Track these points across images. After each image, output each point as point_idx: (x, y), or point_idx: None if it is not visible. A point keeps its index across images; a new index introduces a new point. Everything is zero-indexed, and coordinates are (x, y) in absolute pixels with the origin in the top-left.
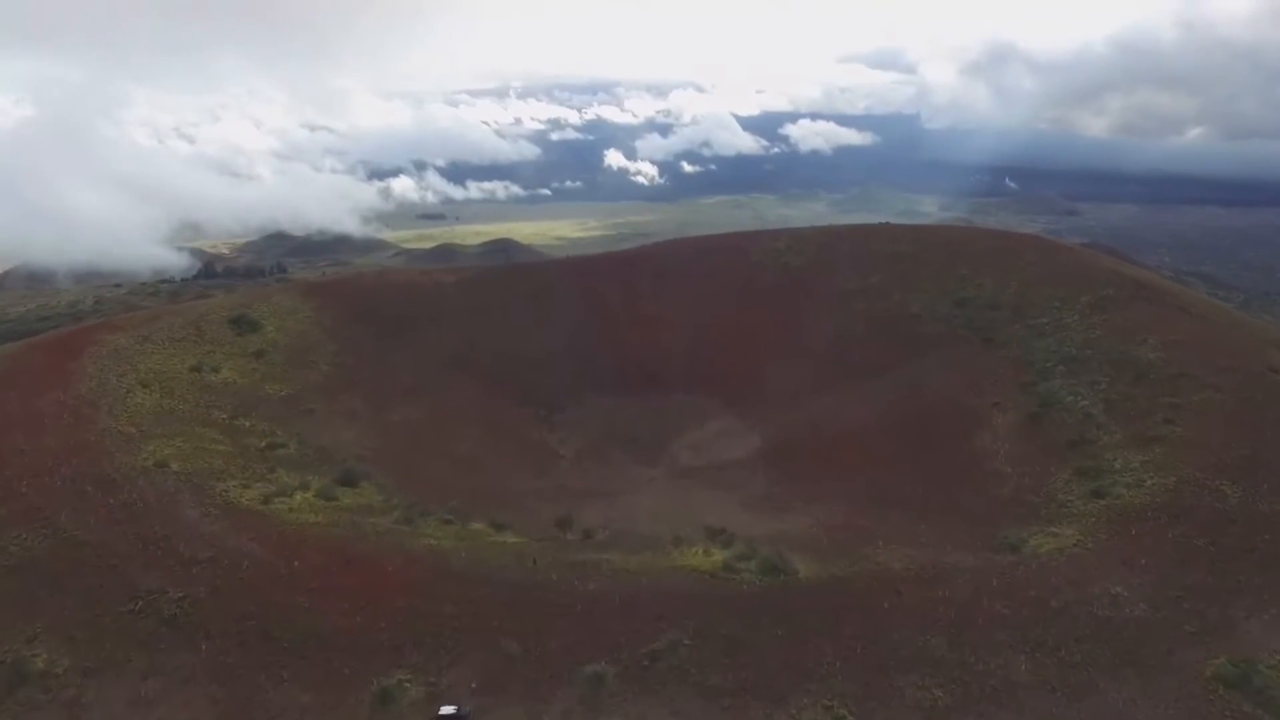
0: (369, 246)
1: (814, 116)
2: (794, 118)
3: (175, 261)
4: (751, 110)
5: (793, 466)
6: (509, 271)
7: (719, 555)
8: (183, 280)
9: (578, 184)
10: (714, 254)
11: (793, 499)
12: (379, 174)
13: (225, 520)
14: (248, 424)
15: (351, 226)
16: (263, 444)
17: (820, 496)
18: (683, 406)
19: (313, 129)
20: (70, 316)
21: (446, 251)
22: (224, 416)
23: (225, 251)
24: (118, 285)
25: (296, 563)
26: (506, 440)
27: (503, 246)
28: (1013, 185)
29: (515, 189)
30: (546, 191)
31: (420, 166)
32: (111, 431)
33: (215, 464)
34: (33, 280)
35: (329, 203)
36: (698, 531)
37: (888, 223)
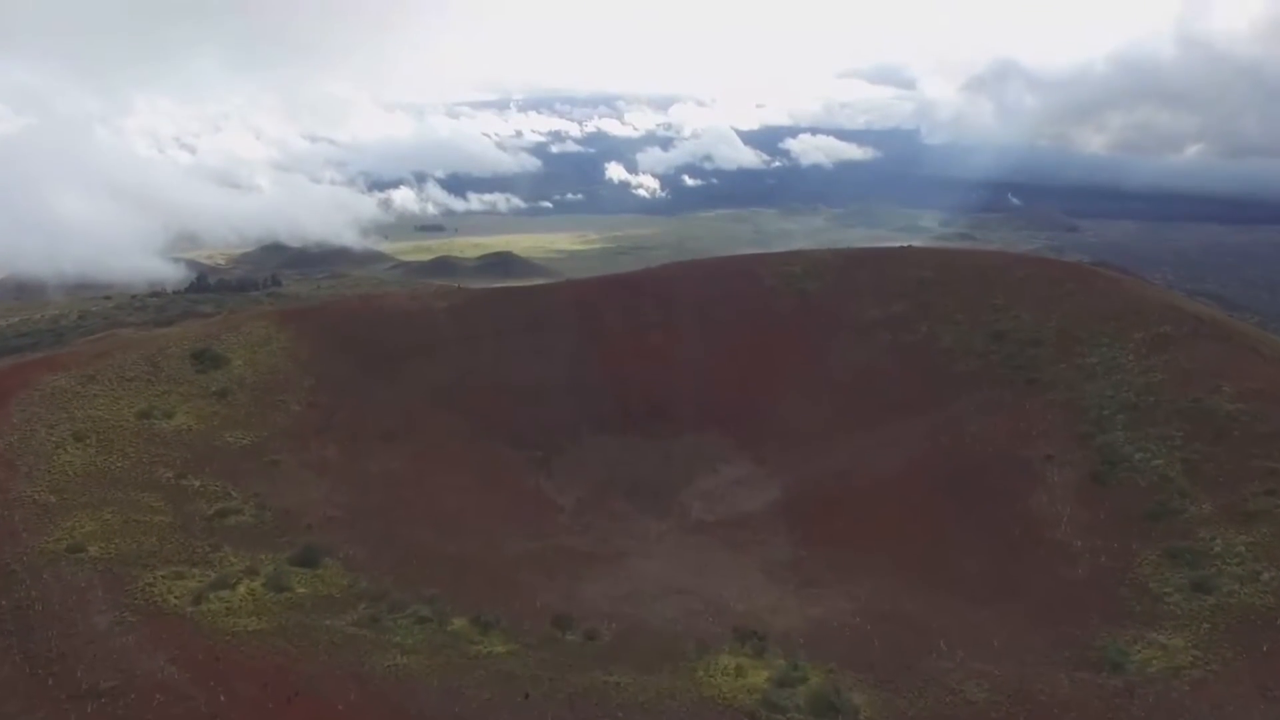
0: (366, 258)
1: (814, 131)
2: (794, 132)
3: (171, 273)
4: (752, 124)
5: (820, 525)
6: (504, 295)
7: (754, 673)
8: (175, 292)
9: (579, 196)
10: (724, 278)
11: (824, 568)
12: (379, 185)
13: (142, 630)
14: (197, 483)
15: (350, 238)
16: (211, 510)
17: (855, 567)
18: (692, 447)
19: (313, 140)
20: (52, 332)
21: (445, 264)
22: (170, 475)
23: (222, 262)
24: (107, 297)
25: (223, 697)
26: (499, 490)
27: (501, 259)
28: (1016, 201)
29: (516, 201)
30: (548, 204)
31: (421, 178)
32: (25, 501)
33: (145, 544)
34: (22, 291)
35: (327, 214)
36: (722, 624)
37: (909, 245)
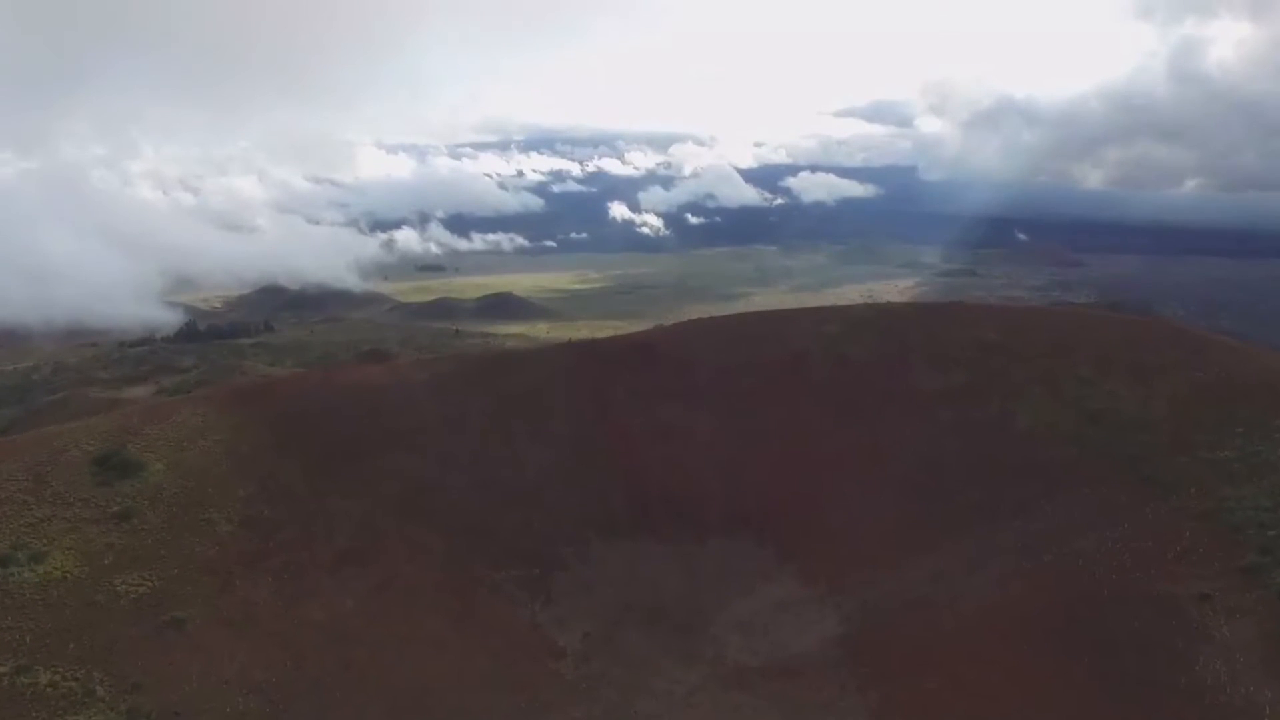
0: (366, 300)
1: (813, 168)
2: (794, 170)
3: (167, 317)
4: (750, 163)
5: (903, 684)
6: (496, 362)
7: None
8: (163, 340)
9: (583, 235)
10: (748, 340)
11: None
12: (382, 226)
13: None
14: (45, 677)
15: (350, 279)
16: None
17: None
18: (723, 557)
19: (317, 181)
20: (18, 389)
21: (444, 305)
22: (5, 670)
23: (218, 306)
24: (94, 344)
25: None
26: (481, 633)
27: (501, 300)
28: (1023, 237)
29: (520, 240)
30: (552, 243)
31: (424, 219)
32: None
33: None
34: (8, 339)
35: (327, 255)
36: None
37: (960, 301)
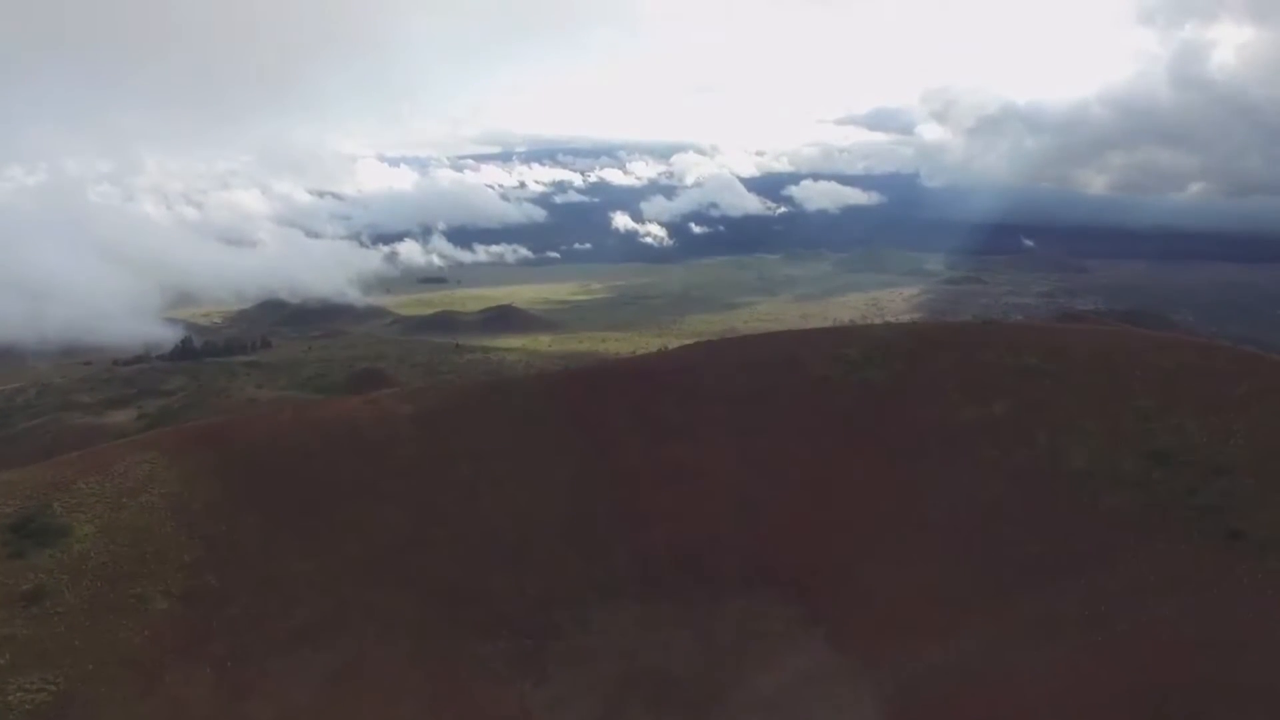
0: (366, 314)
1: (815, 176)
2: (796, 178)
3: (167, 334)
4: (752, 171)
5: None
6: (487, 394)
7: None
8: (158, 358)
9: (586, 246)
10: (762, 366)
11: None
12: (384, 238)
13: None
14: None
15: (351, 293)
16: None
17: None
18: (741, 620)
19: (319, 194)
20: None
21: (445, 319)
22: None
23: (218, 321)
24: (88, 363)
25: None
26: None
27: (503, 313)
28: (1029, 243)
29: (524, 251)
30: (555, 254)
31: (426, 231)
32: None
33: None
34: (3, 358)
35: (327, 269)
36: None
37: (993, 320)
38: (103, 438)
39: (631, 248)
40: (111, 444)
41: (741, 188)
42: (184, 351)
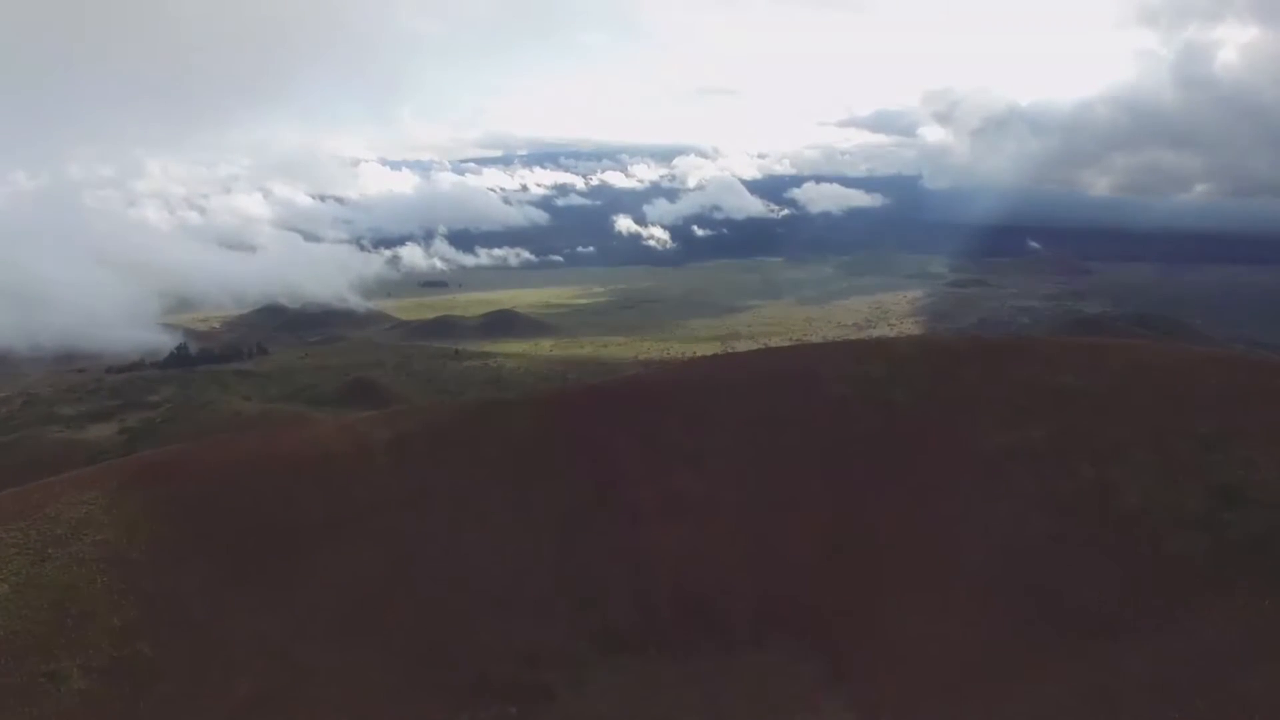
0: (366, 319)
1: (818, 179)
2: (798, 181)
3: (163, 341)
4: (755, 174)
5: None
6: (472, 417)
7: None
8: (151, 364)
9: (589, 249)
10: (775, 384)
11: None
12: (386, 242)
13: None
14: None
15: (352, 297)
16: None
17: None
18: (755, 678)
19: (321, 199)
20: None
21: (445, 323)
22: None
23: (217, 326)
24: (81, 370)
25: None
26: None
27: (504, 317)
28: (1035, 245)
29: (526, 255)
30: (558, 257)
31: (428, 235)
32: None
33: None
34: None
35: (328, 273)
36: None
37: (1027, 335)
38: (80, 454)
39: (634, 251)
40: (48, 481)
41: (744, 190)
42: (178, 359)
